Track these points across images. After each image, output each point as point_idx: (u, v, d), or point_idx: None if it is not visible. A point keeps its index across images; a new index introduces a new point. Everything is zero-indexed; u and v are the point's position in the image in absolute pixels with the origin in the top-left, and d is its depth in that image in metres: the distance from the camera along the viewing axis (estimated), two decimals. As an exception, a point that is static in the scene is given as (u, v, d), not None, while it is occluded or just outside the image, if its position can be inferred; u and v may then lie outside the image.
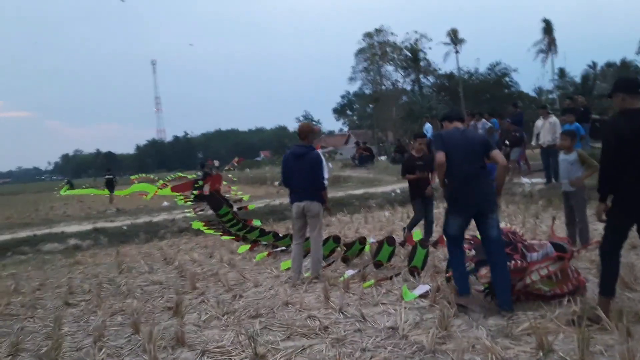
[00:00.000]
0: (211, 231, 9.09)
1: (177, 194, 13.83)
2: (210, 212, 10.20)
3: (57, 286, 6.65)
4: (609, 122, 4.03)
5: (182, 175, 16.58)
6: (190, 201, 11.32)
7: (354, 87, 58.89)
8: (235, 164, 33.88)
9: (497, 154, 4.27)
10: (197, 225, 9.63)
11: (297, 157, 5.61)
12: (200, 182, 12.59)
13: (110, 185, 21.02)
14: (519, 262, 4.12)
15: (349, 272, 5.60)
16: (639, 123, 3.44)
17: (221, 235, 8.80)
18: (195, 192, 11.19)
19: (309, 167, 5.53)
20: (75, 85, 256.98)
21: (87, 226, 11.38)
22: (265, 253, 7.28)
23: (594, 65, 55.43)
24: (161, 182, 16.99)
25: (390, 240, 5.98)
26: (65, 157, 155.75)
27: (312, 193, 5.56)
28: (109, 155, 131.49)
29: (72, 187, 21.96)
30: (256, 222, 9.05)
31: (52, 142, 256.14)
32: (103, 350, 4.00)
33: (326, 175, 5.64)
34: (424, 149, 7.09)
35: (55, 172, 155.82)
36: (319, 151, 5.83)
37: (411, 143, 10.97)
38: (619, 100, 3.58)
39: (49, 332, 4.54)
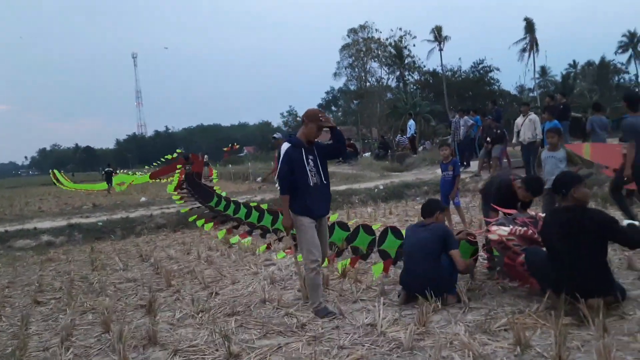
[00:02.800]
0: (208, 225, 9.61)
1: (156, 179, 15.19)
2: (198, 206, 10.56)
3: (27, 284, 6.44)
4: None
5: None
6: (183, 195, 12.11)
7: (338, 83, 58.70)
8: (234, 148, 35.77)
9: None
10: (200, 223, 9.93)
11: None
12: (188, 167, 14.64)
13: (110, 179, 23.01)
14: (530, 231, 4.14)
15: None
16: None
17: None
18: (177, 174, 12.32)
19: None
20: (53, 78, 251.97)
21: (61, 222, 11.09)
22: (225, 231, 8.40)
23: (574, 64, 56.40)
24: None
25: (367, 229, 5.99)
26: (42, 152, 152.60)
27: None
28: (88, 150, 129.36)
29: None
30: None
31: (30, 136, 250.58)
32: (70, 350, 3.86)
33: (276, 174, 4.34)
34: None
35: (33, 167, 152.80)
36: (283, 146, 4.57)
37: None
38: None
39: (15, 331, 4.40)
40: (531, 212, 4.71)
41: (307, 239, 4.18)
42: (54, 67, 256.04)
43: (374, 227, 6.11)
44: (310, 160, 4.23)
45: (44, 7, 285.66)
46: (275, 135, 10.80)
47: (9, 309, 5.30)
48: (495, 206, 4.95)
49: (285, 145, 4.26)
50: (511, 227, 4.19)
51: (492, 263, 4.81)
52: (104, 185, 23.64)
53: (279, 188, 4.24)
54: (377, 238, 5.83)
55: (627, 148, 5.79)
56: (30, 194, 29.00)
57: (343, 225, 6.44)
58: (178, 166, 14.92)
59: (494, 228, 4.22)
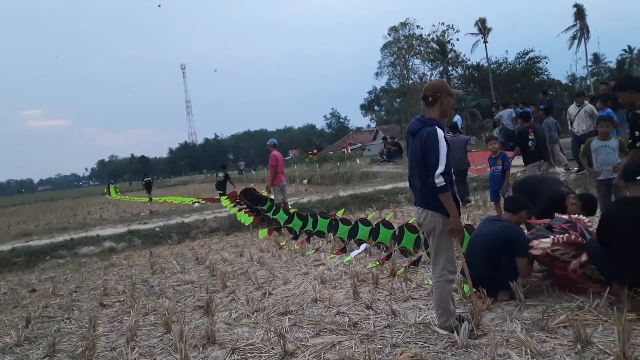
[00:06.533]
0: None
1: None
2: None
3: (93, 288, 6.82)
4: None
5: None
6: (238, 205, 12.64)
7: (380, 82, 58.61)
8: (313, 156, 36.20)
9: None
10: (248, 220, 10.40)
11: (410, 135, 3.58)
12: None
13: (149, 188, 24.96)
14: (573, 236, 3.98)
15: (354, 253, 5.92)
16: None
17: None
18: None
19: (420, 152, 3.44)
20: (108, 92, 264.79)
21: (121, 229, 11.65)
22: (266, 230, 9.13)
23: (630, 50, 53.31)
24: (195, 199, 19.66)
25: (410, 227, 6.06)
26: (101, 163, 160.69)
27: (424, 195, 3.49)
28: (143, 159, 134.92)
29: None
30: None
31: (89, 149, 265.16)
32: (136, 349, 4.07)
33: (441, 168, 3.30)
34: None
35: (92, 178, 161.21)
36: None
37: None
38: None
39: (84, 333, 4.67)
40: (563, 216, 4.48)
41: (451, 247, 3.52)
42: (108, 81, 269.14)
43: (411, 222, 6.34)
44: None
45: (96, 23, 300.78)
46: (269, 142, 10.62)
47: (77, 312, 5.64)
48: (528, 220, 4.82)
49: (440, 132, 3.40)
50: (552, 237, 4.00)
51: (543, 277, 4.54)
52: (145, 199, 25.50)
53: (439, 184, 3.30)
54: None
55: None
56: (92, 203, 30.64)
57: (388, 225, 6.50)
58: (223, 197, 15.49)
59: (534, 243, 4.05)
